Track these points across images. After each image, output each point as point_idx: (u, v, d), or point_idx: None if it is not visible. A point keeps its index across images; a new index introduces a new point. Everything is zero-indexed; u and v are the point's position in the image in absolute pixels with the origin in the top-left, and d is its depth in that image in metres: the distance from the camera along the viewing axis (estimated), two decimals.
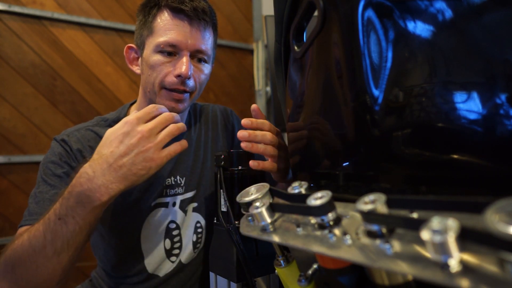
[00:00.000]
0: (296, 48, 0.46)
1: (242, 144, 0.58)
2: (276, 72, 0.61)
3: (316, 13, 0.39)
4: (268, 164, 0.60)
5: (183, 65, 0.72)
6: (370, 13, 0.31)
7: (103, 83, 1.85)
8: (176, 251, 0.82)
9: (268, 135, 0.60)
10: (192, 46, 0.74)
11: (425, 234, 0.19)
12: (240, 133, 0.59)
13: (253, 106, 0.67)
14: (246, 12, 2.38)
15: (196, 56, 0.76)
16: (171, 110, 0.75)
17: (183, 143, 0.60)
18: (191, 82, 0.75)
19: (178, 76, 0.73)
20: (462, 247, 0.18)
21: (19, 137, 1.63)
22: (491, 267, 0.18)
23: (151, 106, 0.59)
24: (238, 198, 0.40)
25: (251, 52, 2.39)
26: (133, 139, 0.53)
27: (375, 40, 0.31)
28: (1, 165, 1.58)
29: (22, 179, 1.61)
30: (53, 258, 0.53)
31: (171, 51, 0.73)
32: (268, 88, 2.28)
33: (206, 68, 0.80)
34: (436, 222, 0.19)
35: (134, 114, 0.57)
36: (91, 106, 1.81)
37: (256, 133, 0.59)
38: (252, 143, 0.59)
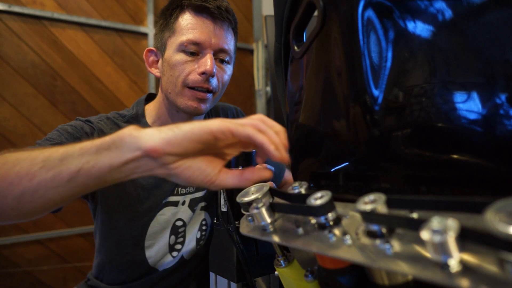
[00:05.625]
0: (296, 48, 0.46)
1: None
2: (276, 72, 0.61)
3: (316, 13, 0.39)
4: None
5: (208, 62, 0.71)
6: (370, 13, 0.31)
7: (103, 83, 1.85)
8: (178, 246, 0.82)
9: None
10: (216, 45, 0.73)
11: (425, 234, 0.19)
12: None
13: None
14: (246, 12, 2.38)
15: (219, 56, 0.75)
16: (193, 110, 0.74)
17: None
18: (214, 81, 0.74)
19: (203, 73, 0.71)
20: (462, 247, 0.18)
21: (19, 137, 1.63)
22: (491, 267, 0.18)
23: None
24: (238, 198, 0.40)
25: (251, 52, 2.39)
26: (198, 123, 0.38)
27: (375, 40, 0.31)
28: None
29: None
30: (37, 165, 0.41)
31: (194, 50, 0.72)
32: (268, 88, 2.28)
33: (229, 69, 0.79)
34: (436, 222, 0.19)
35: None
36: (91, 106, 1.81)
37: None
38: None
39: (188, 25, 0.72)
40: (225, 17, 0.73)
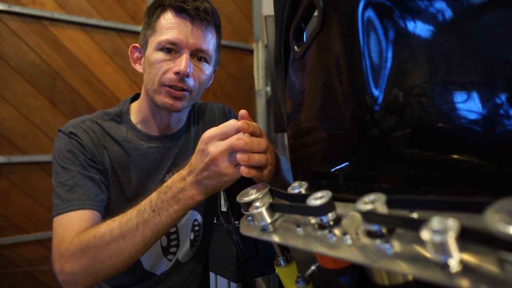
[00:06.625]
0: (296, 48, 0.46)
1: (239, 157, 0.51)
2: (276, 72, 0.61)
3: (316, 13, 0.39)
4: (255, 172, 0.53)
5: (182, 62, 0.73)
6: (370, 13, 0.31)
7: (103, 83, 1.85)
8: (173, 249, 0.82)
9: (263, 142, 0.54)
10: (193, 45, 0.74)
11: (425, 234, 0.19)
12: (237, 142, 0.51)
13: (242, 112, 0.59)
14: (246, 12, 2.38)
15: (197, 55, 0.77)
16: (169, 107, 0.76)
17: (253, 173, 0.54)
18: (190, 81, 0.76)
19: (177, 73, 0.73)
20: (462, 247, 0.18)
21: (19, 137, 1.63)
22: (491, 267, 0.18)
23: (227, 124, 0.54)
24: (238, 198, 0.40)
25: (251, 52, 2.39)
26: (207, 158, 0.54)
27: (375, 40, 0.31)
28: (1, 165, 1.58)
29: (22, 179, 1.61)
30: (140, 245, 0.59)
31: (171, 49, 0.74)
32: (268, 88, 2.28)
33: (207, 69, 0.80)
34: (436, 222, 0.19)
35: (209, 131, 0.54)
36: (91, 106, 1.81)
37: (253, 141, 0.52)
38: (249, 155, 0.52)
39: (168, 25, 0.74)
40: (203, 17, 0.75)
